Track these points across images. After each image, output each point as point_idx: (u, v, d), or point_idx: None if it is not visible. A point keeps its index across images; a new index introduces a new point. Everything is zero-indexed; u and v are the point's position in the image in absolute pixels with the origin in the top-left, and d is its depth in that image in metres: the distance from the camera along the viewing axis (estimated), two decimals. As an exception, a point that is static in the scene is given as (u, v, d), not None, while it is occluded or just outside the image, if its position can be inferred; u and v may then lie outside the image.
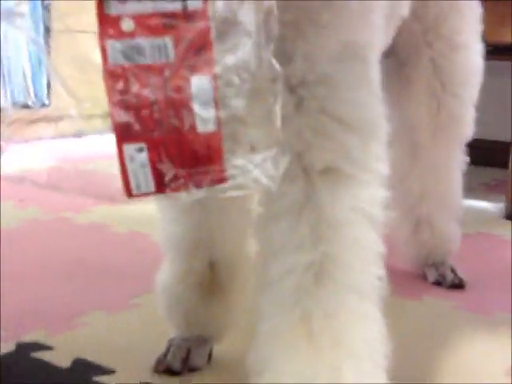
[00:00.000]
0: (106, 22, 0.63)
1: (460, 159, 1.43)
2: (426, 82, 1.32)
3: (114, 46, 0.64)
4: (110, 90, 0.65)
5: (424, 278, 1.48)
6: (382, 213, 0.78)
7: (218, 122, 0.65)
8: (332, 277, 0.75)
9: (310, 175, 0.76)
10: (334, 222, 0.75)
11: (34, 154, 2.47)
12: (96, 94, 0.70)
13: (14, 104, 2.93)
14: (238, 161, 0.68)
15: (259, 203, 0.81)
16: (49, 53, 0.76)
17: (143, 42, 0.63)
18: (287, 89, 0.74)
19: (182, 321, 1.05)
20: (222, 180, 0.69)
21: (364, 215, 0.76)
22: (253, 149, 0.69)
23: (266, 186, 0.69)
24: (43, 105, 2.97)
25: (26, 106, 2.87)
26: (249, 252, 1.02)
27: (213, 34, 0.63)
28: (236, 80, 0.64)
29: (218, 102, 0.65)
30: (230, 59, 0.63)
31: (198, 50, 0.63)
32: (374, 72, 0.79)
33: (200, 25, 0.62)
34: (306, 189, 0.76)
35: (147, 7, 0.63)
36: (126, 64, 0.64)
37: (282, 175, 0.72)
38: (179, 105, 0.65)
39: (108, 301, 1.28)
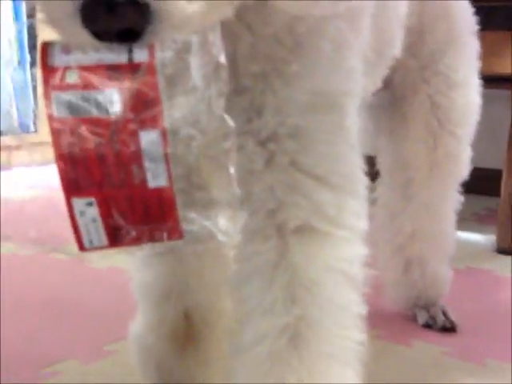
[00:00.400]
0: (50, 73, 0.61)
1: (454, 198, 1.39)
2: (423, 119, 1.29)
3: (58, 97, 0.61)
4: (56, 143, 0.62)
5: (414, 320, 1.44)
6: (361, 271, 0.75)
7: (170, 176, 0.62)
8: (307, 342, 0.71)
9: (284, 233, 0.73)
10: (308, 283, 0.72)
11: (18, 182, 2.45)
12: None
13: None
14: (192, 215, 0.65)
15: (234, 259, 0.77)
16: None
17: (88, 94, 0.61)
18: (257, 143, 0.71)
19: (154, 373, 1.01)
20: (176, 235, 0.66)
21: (341, 274, 0.73)
22: (206, 204, 0.66)
23: (222, 242, 0.66)
24: (29, 131, 2.96)
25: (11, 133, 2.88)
26: (226, 301, 0.98)
27: (161, 88, 0.60)
28: (185, 135, 0.61)
29: (168, 157, 0.61)
30: (178, 114, 0.60)
31: (146, 104, 0.60)
32: (351, 120, 0.76)
33: (147, 78, 0.59)
34: (279, 247, 0.73)
35: (92, 58, 0.60)
36: (72, 117, 0.61)
37: (252, 232, 0.69)
38: (128, 159, 0.62)
39: (82, 348, 1.24)
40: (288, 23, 0.69)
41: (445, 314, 1.41)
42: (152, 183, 0.63)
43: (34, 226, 1.77)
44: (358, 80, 0.78)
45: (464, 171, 1.35)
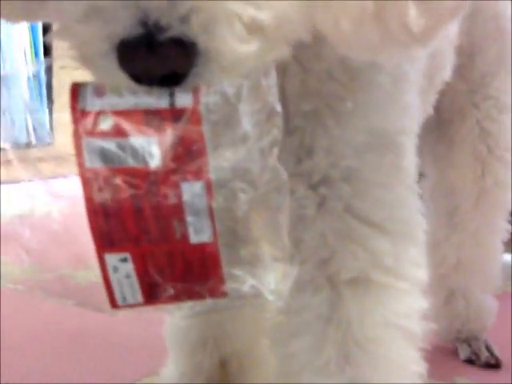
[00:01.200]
0: (81, 118, 0.54)
1: (502, 227, 1.32)
2: (471, 145, 1.22)
3: (90, 145, 0.55)
4: (87, 194, 0.56)
5: (455, 354, 1.36)
6: (421, 326, 0.68)
7: (214, 231, 0.56)
8: None
9: (336, 285, 0.67)
10: (363, 341, 0.65)
11: (36, 195, 2.40)
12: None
13: (15, 144, 2.88)
14: (237, 272, 0.59)
15: (279, 311, 0.71)
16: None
17: (124, 141, 0.54)
18: (308, 187, 0.65)
19: None
20: (219, 293, 0.60)
21: (400, 330, 0.66)
22: (253, 260, 0.60)
23: (270, 301, 0.60)
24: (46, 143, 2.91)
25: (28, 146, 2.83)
26: (263, 349, 0.91)
27: (206, 136, 0.53)
28: (233, 188, 0.54)
29: (212, 211, 0.55)
30: (225, 165, 0.53)
31: (189, 153, 0.54)
32: (409, 160, 0.69)
33: (191, 125, 0.53)
34: (331, 300, 0.67)
35: (129, 102, 0.53)
36: (105, 166, 0.55)
37: (302, 283, 0.63)
38: (168, 213, 0.55)
39: None
40: (342, 57, 0.62)
41: (488, 348, 1.34)
42: (194, 238, 0.56)
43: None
44: (414, 115, 0.71)
45: None
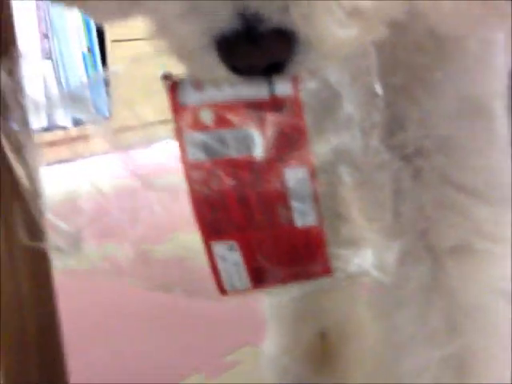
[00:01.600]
0: (182, 113, 0.55)
1: None
2: None
3: (192, 139, 0.55)
4: (191, 187, 0.57)
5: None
6: None
7: (319, 215, 0.56)
8: (475, 372, 0.65)
9: (437, 255, 0.67)
10: (469, 308, 0.65)
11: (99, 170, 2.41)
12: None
13: (75, 121, 2.91)
14: (341, 251, 0.59)
15: (379, 283, 0.71)
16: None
17: (226, 133, 0.55)
18: (402, 159, 0.64)
19: None
20: (325, 273, 0.60)
21: (502, 295, 0.66)
22: (356, 239, 0.60)
23: (377, 278, 0.60)
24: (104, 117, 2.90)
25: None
26: (362, 320, 0.92)
27: (308, 122, 0.53)
28: (337, 172, 0.55)
29: (317, 195, 0.55)
30: (328, 149, 0.53)
31: (291, 141, 0.54)
32: (501, 123, 0.69)
33: (292, 113, 0.53)
34: (433, 270, 0.67)
35: (228, 94, 0.54)
36: (208, 158, 0.55)
37: (402, 255, 0.63)
38: (273, 200, 0.56)
39: (205, 361, 1.20)
40: (429, 27, 0.61)
41: None
42: (300, 222, 0.57)
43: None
44: (503, 78, 0.70)
45: None
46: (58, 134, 2.74)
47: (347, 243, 0.59)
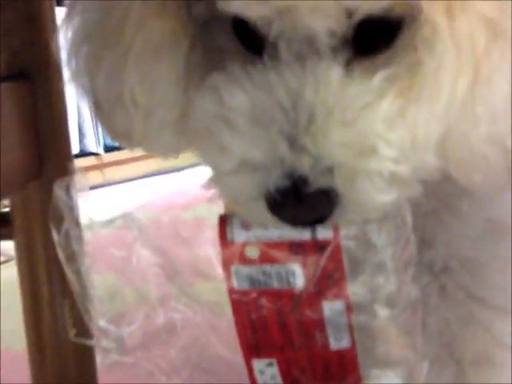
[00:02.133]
0: (230, 249, 0.60)
1: None
2: None
3: (238, 271, 0.61)
4: (236, 312, 0.62)
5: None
6: None
7: (353, 340, 0.61)
8: None
9: (461, 364, 0.71)
10: None
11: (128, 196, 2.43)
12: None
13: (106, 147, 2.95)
14: (375, 372, 0.65)
15: None
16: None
17: (270, 268, 0.60)
18: (430, 275, 0.69)
19: None
20: (358, 388, 0.65)
21: None
22: (388, 360, 0.65)
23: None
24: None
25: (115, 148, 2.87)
26: None
27: (345, 263, 0.58)
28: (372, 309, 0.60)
29: (352, 325, 0.60)
30: (363, 291, 0.59)
31: (330, 277, 0.59)
32: None
33: (332, 255, 0.58)
34: (457, 378, 0.72)
35: (273, 235, 0.59)
36: (253, 289, 0.61)
37: (428, 361, 0.68)
38: (310, 327, 0.61)
39: None
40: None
41: None
42: (335, 346, 0.62)
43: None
44: None
45: None
46: (89, 160, 2.78)
47: (380, 363, 0.64)
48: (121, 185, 2.77)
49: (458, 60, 0.49)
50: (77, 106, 2.77)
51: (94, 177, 2.66)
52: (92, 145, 2.86)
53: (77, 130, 2.76)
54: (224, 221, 0.60)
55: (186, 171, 2.76)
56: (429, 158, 0.52)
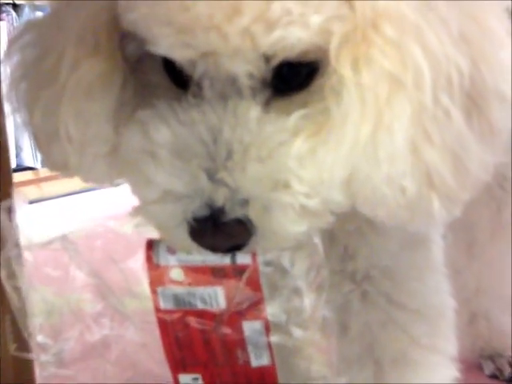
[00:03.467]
0: (156, 271, 0.64)
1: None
2: (487, 185, 1.30)
3: (164, 292, 0.65)
4: (162, 330, 0.66)
5: (480, 369, 1.46)
6: None
7: (272, 357, 0.66)
8: None
9: (380, 364, 0.77)
10: None
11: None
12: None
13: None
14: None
15: None
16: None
17: (193, 290, 0.64)
18: (352, 283, 0.75)
19: None
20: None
21: None
22: (308, 379, 0.70)
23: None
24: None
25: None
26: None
27: (263, 286, 0.63)
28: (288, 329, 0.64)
29: (271, 343, 0.65)
30: (279, 311, 0.63)
31: (249, 300, 0.63)
32: (437, 247, 0.79)
33: (251, 279, 0.62)
34: (375, 377, 0.77)
35: (197, 260, 0.63)
36: (178, 309, 0.65)
37: (349, 362, 0.73)
38: (232, 345, 0.65)
39: None
40: None
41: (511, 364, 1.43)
42: (255, 363, 0.66)
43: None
44: None
45: None
46: (26, 175, 2.78)
47: (300, 379, 0.69)
48: (58, 199, 2.79)
49: (362, 109, 0.54)
50: (13, 119, 2.77)
51: (31, 191, 2.67)
52: (29, 159, 2.85)
53: (13, 144, 2.75)
54: (151, 245, 0.64)
55: (123, 185, 2.78)
56: (336, 194, 0.57)
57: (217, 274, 0.63)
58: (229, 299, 0.64)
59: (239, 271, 0.63)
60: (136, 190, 0.60)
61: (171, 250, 0.64)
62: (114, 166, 0.62)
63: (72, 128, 0.60)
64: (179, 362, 0.67)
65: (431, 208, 0.56)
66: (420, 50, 0.53)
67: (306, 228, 0.57)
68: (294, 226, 0.57)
